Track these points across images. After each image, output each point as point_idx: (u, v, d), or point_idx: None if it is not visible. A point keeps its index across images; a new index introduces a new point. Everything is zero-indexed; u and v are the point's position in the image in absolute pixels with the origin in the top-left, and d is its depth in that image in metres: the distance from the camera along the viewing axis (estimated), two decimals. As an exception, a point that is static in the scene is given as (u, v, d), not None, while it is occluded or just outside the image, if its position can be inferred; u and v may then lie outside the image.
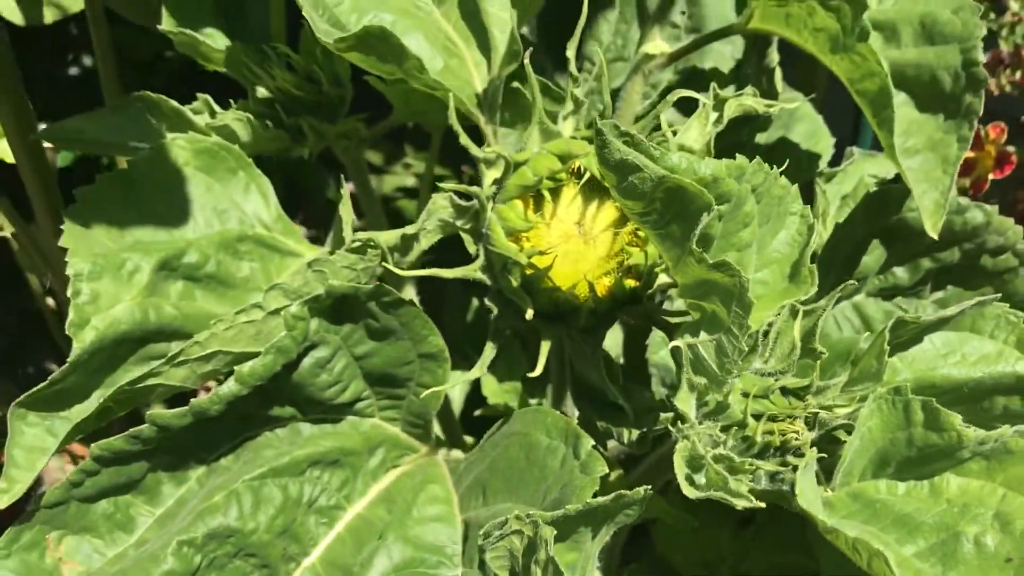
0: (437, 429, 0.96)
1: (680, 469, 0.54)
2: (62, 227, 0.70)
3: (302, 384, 0.69)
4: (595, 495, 0.58)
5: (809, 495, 0.52)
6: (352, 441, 0.71)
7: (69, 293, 0.65)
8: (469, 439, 1.09)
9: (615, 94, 1.07)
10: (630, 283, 0.67)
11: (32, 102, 1.75)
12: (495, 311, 0.68)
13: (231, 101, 0.84)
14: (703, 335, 0.57)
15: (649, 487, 0.52)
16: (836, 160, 0.99)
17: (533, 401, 1.18)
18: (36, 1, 1.23)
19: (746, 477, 0.56)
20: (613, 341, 1.05)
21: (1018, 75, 1.19)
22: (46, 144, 0.92)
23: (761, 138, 0.97)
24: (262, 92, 0.84)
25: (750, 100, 0.71)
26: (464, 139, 0.68)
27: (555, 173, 0.65)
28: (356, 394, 0.72)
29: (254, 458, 0.69)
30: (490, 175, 0.68)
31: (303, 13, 0.66)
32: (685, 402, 0.57)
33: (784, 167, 0.81)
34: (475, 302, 1.27)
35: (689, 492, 0.53)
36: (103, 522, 0.67)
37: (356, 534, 0.69)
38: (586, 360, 0.70)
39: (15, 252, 1.30)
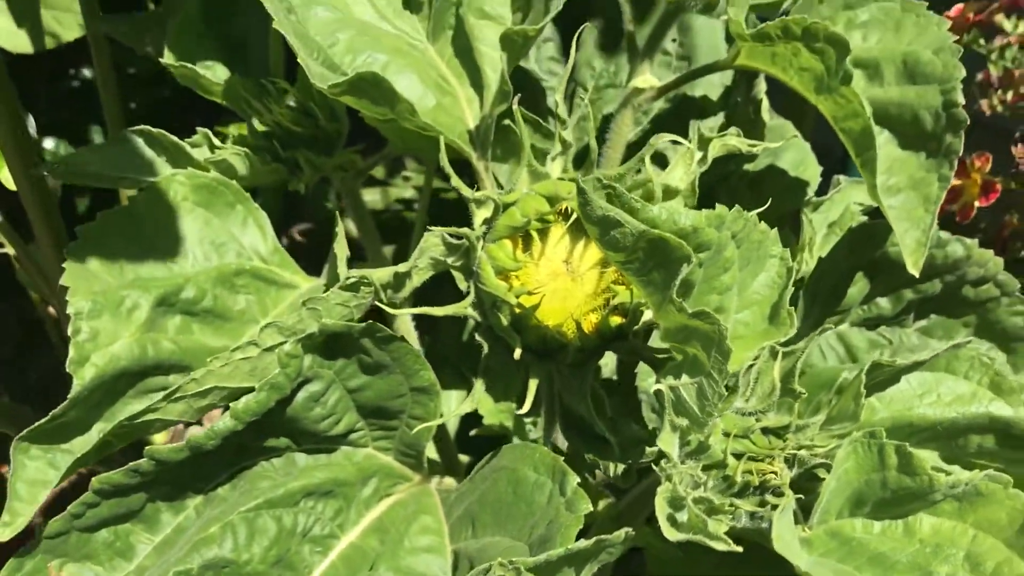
0: (432, 451, 0.97)
1: (661, 511, 0.56)
2: (64, 251, 0.73)
3: (296, 417, 0.70)
4: (584, 527, 0.60)
5: (786, 537, 0.54)
6: (346, 472, 0.73)
7: (69, 331, 0.67)
8: (465, 458, 1.11)
9: (607, 120, 1.09)
10: (616, 320, 0.69)
11: (33, 115, 1.77)
12: (485, 347, 0.70)
13: (228, 131, 0.86)
14: (684, 378, 0.59)
15: (630, 530, 0.54)
16: (824, 187, 1.00)
17: (528, 421, 1.20)
18: (38, 29, 1.25)
19: (726, 517, 0.58)
20: (608, 359, 1.07)
21: (1009, 95, 1.21)
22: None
23: (749, 166, 0.99)
24: (259, 125, 0.85)
25: (734, 140, 0.72)
26: (455, 180, 0.69)
27: (543, 215, 0.67)
28: (350, 425, 0.73)
29: (250, 489, 0.71)
30: (480, 214, 0.70)
31: (298, 60, 0.68)
32: (667, 443, 0.59)
33: (770, 200, 0.83)
34: (471, 320, 1.29)
35: (670, 534, 0.55)
36: (103, 550, 0.69)
37: (349, 563, 0.71)
38: (574, 393, 0.72)
39: (16, 267, 1.33)
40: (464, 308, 0.69)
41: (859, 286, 0.81)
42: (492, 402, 1.20)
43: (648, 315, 0.70)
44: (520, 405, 0.97)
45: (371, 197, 1.66)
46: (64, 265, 0.70)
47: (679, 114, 1.06)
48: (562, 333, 0.68)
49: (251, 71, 0.90)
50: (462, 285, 0.71)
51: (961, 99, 0.72)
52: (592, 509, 0.60)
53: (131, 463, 0.65)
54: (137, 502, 0.69)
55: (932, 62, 0.74)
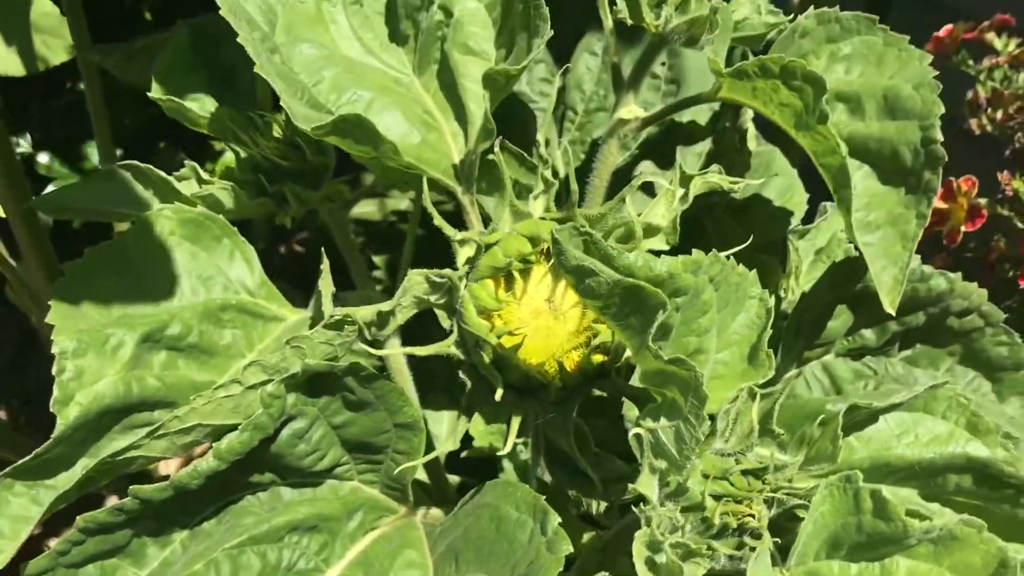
0: (421, 472, 0.98)
1: (639, 555, 0.56)
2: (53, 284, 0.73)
3: (281, 454, 0.71)
4: (569, 559, 0.60)
5: (761, 582, 0.54)
6: (331, 507, 0.74)
7: (54, 371, 0.68)
8: (455, 478, 1.12)
9: (596, 145, 1.10)
10: (598, 358, 0.69)
11: (28, 131, 1.77)
12: (468, 384, 0.71)
13: (217, 164, 0.86)
14: (663, 421, 0.59)
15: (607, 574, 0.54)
16: (812, 212, 1.01)
17: (519, 441, 1.20)
18: (29, 53, 1.26)
19: (704, 560, 0.58)
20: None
21: (999, 114, 1.21)
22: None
23: (735, 195, 0.99)
24: (246, 157, 0.86)
25: (715, 178, 0.73)
26: (438, 220, 0.70)
27: (524, 255, 0.68)
28: (335, 460, 0.74)
29: (235, 525, 0.71)
30: (463, 253, 0.71)
31: (281, 103, 0.69)
32: (646, 485, 0.59)
33: (755, 229, 0.83)
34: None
35: (647, 580, 0.56)
36: (91, 585, 0.70)
37: (334, 597, 0.72)
38: (557, 429, 0.72)
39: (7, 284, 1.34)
40: (447, 347, 0.70)
41: (843, 319, 0.82)
42: (483, 423, 1.21)
43: (630, 353, 0.70)
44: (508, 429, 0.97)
45: (368, 208, 1.67)
46: (50, 303, 0.71)
47: (667, 139, 1.06)
48: (544, 372, 0.68)
49: (239, 101, 0.91)
50: (445, 323, 0.71)
51: (939, 136, 0.72)
52: (572, 550, 0.61)
53: (116, 502, 0.66)
54: (123, 538, 0.69)
55: (912, 97, 0.75)
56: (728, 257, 0.63)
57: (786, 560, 0.61)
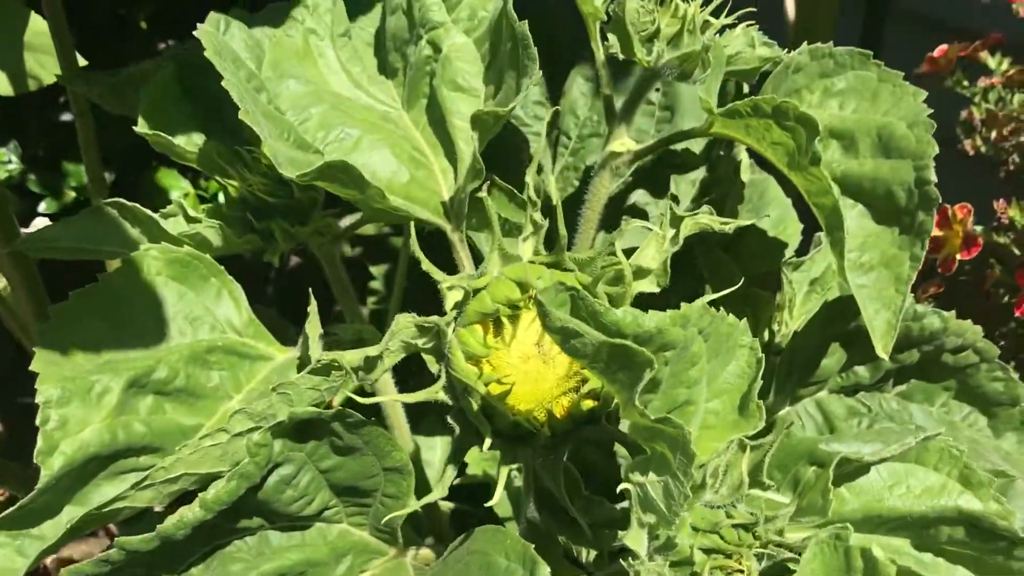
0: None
1: (626, 615, 0.56)
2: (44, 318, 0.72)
3: (268, 500, 0.70)
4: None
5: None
6: (320, 552, 0.73)
7: (38, 421, 0.67)
8: (448, 505, 1.11)
9: (590, 171, 1.09)
10: (589, 404, 0.68)
11: (23, 143, 1.76)
12: (457, 430, 0.70)
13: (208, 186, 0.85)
14: (652, 475, 0.58)
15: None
16: (806, 243, 1.00)
17: (514, 467, 1.20)
18: (21, 73, 1.26)
19: (693, 616, 0.58)
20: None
21: (993, 133, 1.20)
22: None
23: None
24: (234, 192, 0.85)
25: (706, 219, 0.72)
26: (426, 265, 0.69)
27: (513, 301, 0.67)
28: (323, 504, 0.73)
29: (223, 572, 0.70)
30: (451, 298, 0.70)
31: (264, 150, 0.68)
32: (635, 540, 0.59)
33: (748, 261, 0.82)
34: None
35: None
36: (76, 629, 0.69)
37: (323, 645, 0.71)
38: (548, 474, 0.71)
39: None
40: (436, 392, 0.69)
41: (836, 356, 0.81)
42: (476, 450, 1.20)
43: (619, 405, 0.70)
44: (506, 452, 0.96)
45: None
46: (35, 349, 0.70)
47: (660, 167, 1.05)
48: (534, 419, 0.68)
49: (228, 132, 0.90)
50: (433, 368, 0.70)
51: (933, 177, 0.72)
52: (560, 604, 0.60)
53: (101, 554, 0.65)
54: (109, 586, 0.69)
55: (906, 136, 0.74)
56: (718, 307, 0.62)
57: (777, 614, 0.60)
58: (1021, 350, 1.03)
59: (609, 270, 0.71)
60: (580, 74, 1.14)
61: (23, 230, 1.03)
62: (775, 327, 0.91)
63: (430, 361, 0.70)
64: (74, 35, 2.06)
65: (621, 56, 0.82)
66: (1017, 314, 0.98)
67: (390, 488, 0.73)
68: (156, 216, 0.80)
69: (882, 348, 0.70)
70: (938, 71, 1.20)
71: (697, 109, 1.05)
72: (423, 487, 1.04)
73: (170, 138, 0.84)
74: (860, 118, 0.77)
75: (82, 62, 1.32)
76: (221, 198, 1.13)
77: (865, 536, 0.63)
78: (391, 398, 0.67)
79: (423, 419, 1.15)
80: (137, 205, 0.80)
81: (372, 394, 0.87)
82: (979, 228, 1.00)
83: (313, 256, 0.93)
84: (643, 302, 0.71)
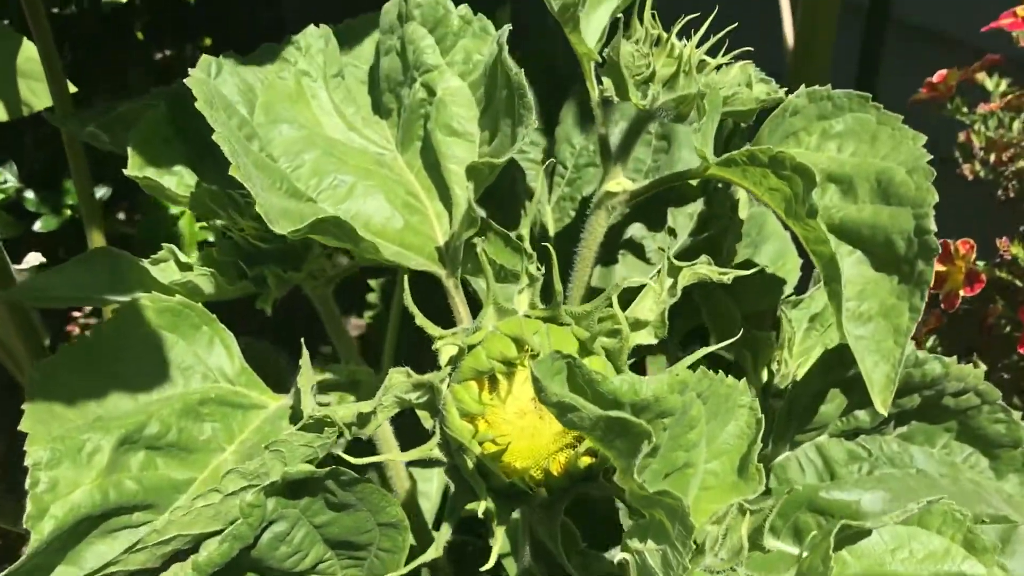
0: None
1: None
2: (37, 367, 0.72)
3: (261, 557, 0.69)
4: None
5: None
6: (314, 606, 0.72)
7: (27, 484, 0.66)
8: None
9: (586, 202, 1.08)
10: (586, 460, 0.67)
11: (16, 159, 1.75)
12: (452, 488, 0.69)
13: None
14: (650, 543, 0.57)
15: None
16: (805, 279, 0.99)
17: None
18: (16, 100, 1.25)
19: None
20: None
21: (992, 156, 1.19)
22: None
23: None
24: (226, 235, 0.84)
25: (704, 269, 0.71)
26: (420, 320, 0.68)
27: (509, 359, 0.66)
28: (318, 558, 0.72)
29: (216, 630, 0.70)
30: (446, 352, 0.69)
31: (256, 208, 0.67)
32: (633, 607, 0.58)
33: (746, 298, 0.81)
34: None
35: None
36: None
37: None
38: (544, 528, 0.70)
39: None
40: (430, 450, 0.68)
41: (836, 402, 0.80)
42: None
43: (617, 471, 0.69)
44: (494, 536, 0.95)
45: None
46: (24, 407, 0.69)
47: (657, 199, 1.04)
48: (530, 476, 0.67)
49: (220, 173, 0.88)
50: (427, 424, 0.69)
51: (933, 226, 0.70)
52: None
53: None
54: (101, 646, 0.68)
55: (906, 183, 0.73)
56: (717, 370, 0.61)
57: None
58: (1024, 382, 1.02)
59: (606, 323, 0.70)
60: (576, 102, 1.13)
61: (15, 267, 1.02)
62: (774, 367, 0.90)
63: (424, 417, 0.70)
64: (71, 47, 2.05)
65: (616, 99, 0.81)
66: (1020, 350, 0.97)
67: (385, 543, 0.72)
68: (147, 263, 0.79)
69: (881, 403, 0.69)
70: (937, 97, 1.19)
71: (693, 141, 1.04)
72: (418, 520, 1.03)
73: (160, 181, 0.83)
74: (859, 162, 0.76)
75: (72, 89, 1.31)
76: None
77: (867, 599, 0.62)
78: (384, 457, 0.66)
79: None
80: (126, 253, 0.80)
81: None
82: (981, 264, 0.99)
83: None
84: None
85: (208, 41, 2.48)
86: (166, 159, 0.87)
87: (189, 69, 0.73)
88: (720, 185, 1.03)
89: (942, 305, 1.02)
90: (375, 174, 0.78)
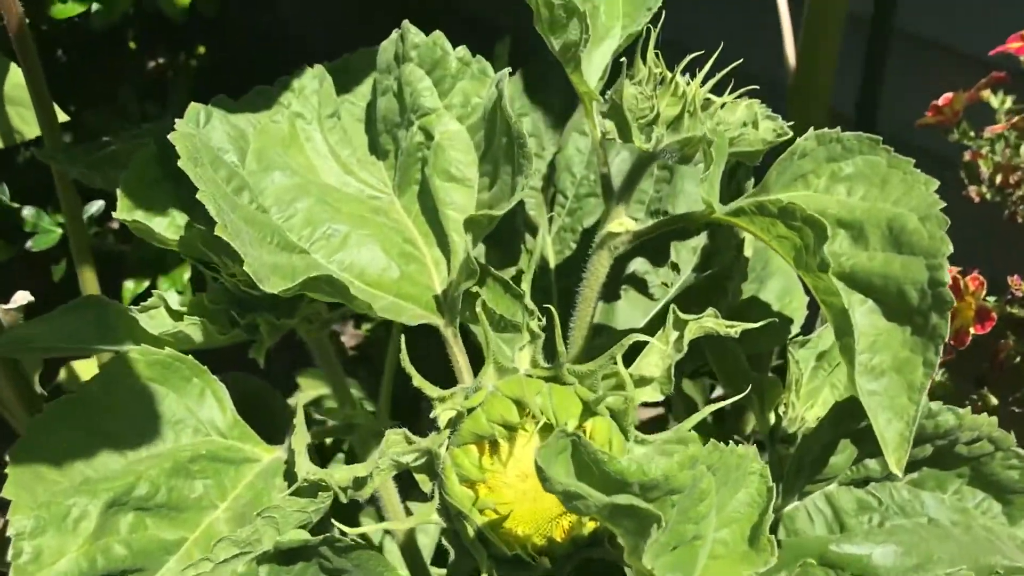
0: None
1: None
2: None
3: (256, 624, 0.67)
4: None
5: None
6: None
7: (10, 555, 0.64)
8: (441, 572, 1.08)
9: (588, 234, 1.06)
10: (591, 525, 0.65)
11: (11, 181, 1.72)
12: (452, 554, 0.67)
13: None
14: (658, 621, 0.55)
15: None
16: (812, 317, 0.97)
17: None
18: (6, 126, 1.23)
19: None
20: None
21: (999, 178, 1.17)
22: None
23: (732, 299, 0.95)
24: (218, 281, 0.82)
25: (711, 322, 0.69)
26: (418, 380, 0.66)
27: (511, 423, 0.64)
28: (313, 620, 0.70)
29: None
30: (445, 415, 0.67)
31: (245, 268, 0.64)
32: None
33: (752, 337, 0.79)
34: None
35: None
36: None
37: None
38: (548, 591, 0.68)
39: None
40: (430, 515, 0.66)
41: (846, 453, 0.78)
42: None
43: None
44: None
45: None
46: (8, 471, 0.67)
47: (660, 233, 1.02)
48: (533, 544, 0.65)
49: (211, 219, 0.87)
50: (426, 487, 0.67)
51: (947, 278, 0.68)
52: None
53: None
54: None
55: (918, 231, 0.71)
56: (727, 441, 0.59)
57: None
58: (1035, 415, 1.00)
59: (611, 379, 0.68)
60: (576, 129, 1.10)
61: (2, 306, 0.99)
62: (781, 410, 0.88)
63: (423, 481, 0.67)
64: (64, 56, 2.02)
65: (619, 141, 0.79)
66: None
67: (383, 605, 0.70)
68: (136, 312, 0.77)
69: (895, 463, 0.67)
70: (944, 122, 1.17)
71: (696, 173, 1.02)
72: (416, 561, 1.01)
73: (150, 224, 0.81)
74: (869, 207, 0.74)
75: (63, 117, 1.28)
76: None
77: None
78: (383, 526, 0.64)
79: (412, 489, 1.12)
80: (115, 302, 0.77)
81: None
82: (991, 300, 0.97)
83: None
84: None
85: (202, 49, 2.45)
86: (157, 201, 0.84)
87: (176, 121, 0.71)
88: (724, 219, 1.01)
89: (952, 343, 0.99)
90: (370, 222, 0.76)
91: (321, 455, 1.28)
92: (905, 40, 1.70)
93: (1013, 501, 0.82)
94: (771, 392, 0.87)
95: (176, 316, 0.78)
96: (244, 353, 0.84)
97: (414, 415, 0.87)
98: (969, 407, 0.77)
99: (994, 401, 1.02)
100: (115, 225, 1.92)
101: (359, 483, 0.67)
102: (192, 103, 0.75)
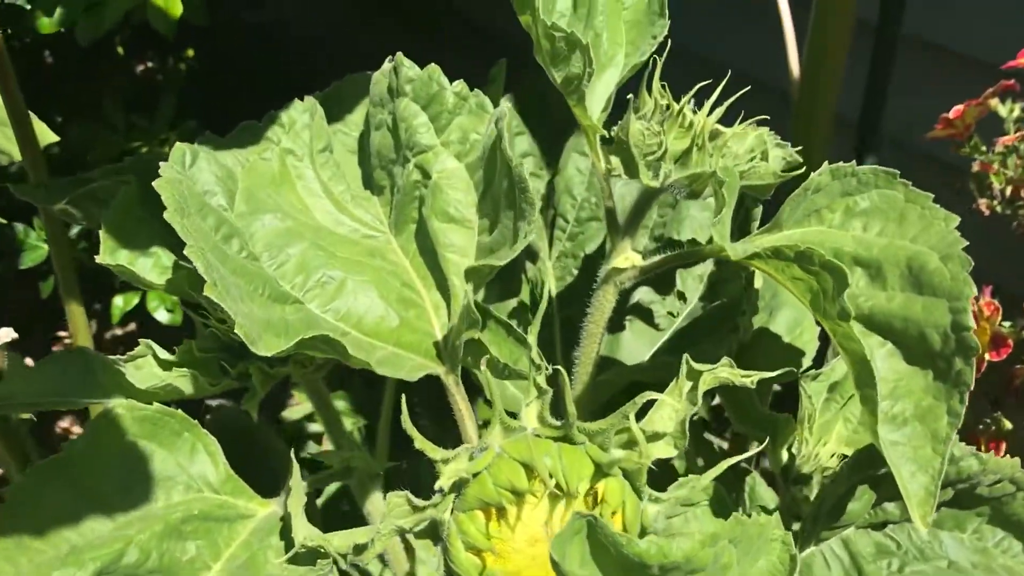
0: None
1: None
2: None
3: None
4: None
5: None
6: None
7: (-7, 636, 0.61)
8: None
9: (589, 260, 1.02)
10: (603, 591, 0.62)
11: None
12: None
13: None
14: None
15: None
16: (823, 348, 0.94)
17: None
18: (-1, 151, 1.20)
19: None
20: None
21: (1009, 189, 1.14)
22: None
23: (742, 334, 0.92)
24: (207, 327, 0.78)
25: (726, 372, 0.66)
26: (420, 443, 0.63)
27: (519, 489, 0.61)
28: None
29: None
30: (447, 476, 0.63)
31: (236, 330, 0.61)
32: None
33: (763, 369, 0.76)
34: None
35: None
36: None
37: None
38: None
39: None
40: (433, 582, 0.63)
41: (864, 499, 0.75)
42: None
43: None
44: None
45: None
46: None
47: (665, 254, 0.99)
48: (543, 610, 0.62)
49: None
50: (429, 553, 0.64)
51: (971, 322, 0.65)
52: None
53: None
54: None
55: (940, 271, 0.67)
56: (750, 514, 0.56)
57: None
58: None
59: (622, 435, 0.64)
60: (575, 150, 1.07)
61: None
62: (794, 449, 0.85)
63: (426, 546, 0.64)
64: (52, 61, 1.98)
65: (624, 176, 0.75)
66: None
67: (387, 669, 0.67)
68: (123, 365, 0.74)
69: (920, 518, 0.64)
70: (955, 135, 1.14)
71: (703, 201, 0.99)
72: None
73: (133, 268, 0.78)
74: (887, 244, 0.71)
75: (53, 138, 1.25)
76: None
77: None
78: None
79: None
80: (100, 355, 0.74)
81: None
82: (1007, 326, 0.94)
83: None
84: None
85: (191, 53, 2.41)
86: (141, 240, 0.81)
87: (161, 165, 0.67)
88: (730, 243, 0.97)
89: (966, 369, 0.97)
90: (367, 266, 0.72)
91: (317, 491, 1.25)
92: (908, 43, 1.66)
93: (1034, 540, 0.80)
94: (784, 430, 0.84)
95: (165, 366, 0.75)
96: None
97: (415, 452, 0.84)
98: (992, 453, 0.74)
99: (1008, 425, 0.99)
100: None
101: (359, 549, 0.64)
102: (177, 144, 0.71)
